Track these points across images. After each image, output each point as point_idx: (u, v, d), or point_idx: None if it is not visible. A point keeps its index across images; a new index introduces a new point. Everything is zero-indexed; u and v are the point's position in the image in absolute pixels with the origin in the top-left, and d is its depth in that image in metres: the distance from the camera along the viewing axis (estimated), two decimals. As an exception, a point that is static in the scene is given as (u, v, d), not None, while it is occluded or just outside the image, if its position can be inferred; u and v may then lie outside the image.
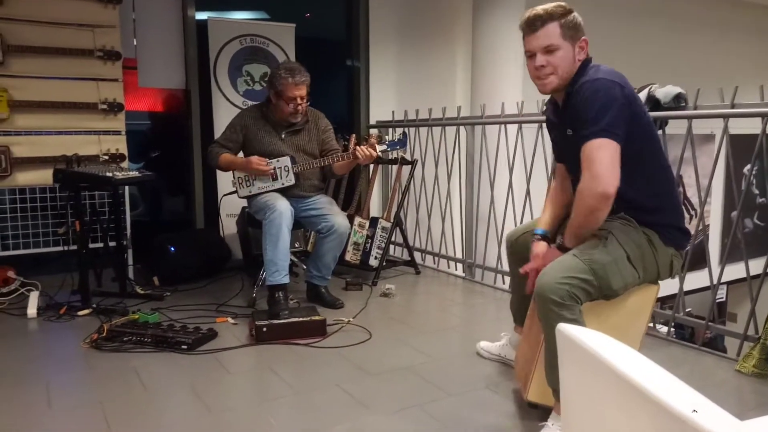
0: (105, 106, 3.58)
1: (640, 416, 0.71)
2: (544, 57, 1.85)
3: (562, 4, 1.86)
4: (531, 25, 1.86)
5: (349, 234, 3.72)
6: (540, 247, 2.01)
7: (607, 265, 1.77)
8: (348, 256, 3.88)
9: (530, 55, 1.89)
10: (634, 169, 1.81)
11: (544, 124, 2.22)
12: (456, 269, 4.22)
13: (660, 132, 2.77)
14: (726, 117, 2.54)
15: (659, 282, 1.98)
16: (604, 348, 0.78)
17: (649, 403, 0.68)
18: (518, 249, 2.23)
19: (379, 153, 3.11)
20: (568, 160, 2.04)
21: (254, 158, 3.15)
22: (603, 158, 1.72)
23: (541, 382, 1.93)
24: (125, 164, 3.68)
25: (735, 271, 2.91)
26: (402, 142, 3.25)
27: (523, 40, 1.91)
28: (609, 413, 0.78)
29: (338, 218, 3.18)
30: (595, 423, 0.83)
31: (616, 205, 1.81)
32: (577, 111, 1.81)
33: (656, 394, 0.67)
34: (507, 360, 2.44)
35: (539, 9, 1.85)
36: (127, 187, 3.78)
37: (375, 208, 4.75)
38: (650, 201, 1.89)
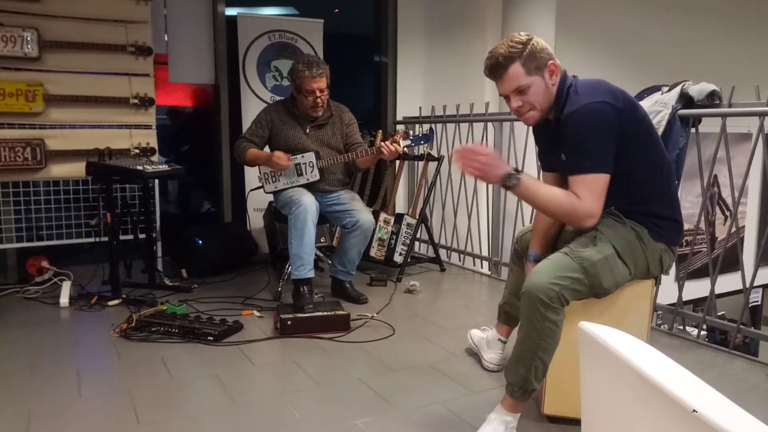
0: (136, 101, 3.65)
1: (662, 416, 0.69)
2: (518, 98, 1.85)
3: (516, 38, 1.83)
4: (494, 74, 1.85)
5: (374, 230, 3.72)
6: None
7: (598, 263, 1.76)
8: (373, 252, 3.89)
9: (505, 97, 1.89)
10: (630, 167, 1.81)
11: None
12: (482, 267, 4.19)
13: (693, 130, 2.70)
14: (762, 115, 2.47)
15: (654, 278, 1.95)
16: (627, 347, 0.76)
17: (672, 404, 0.66)
18: (523, 247, 2.24)
19: (404, 148, 3.11)
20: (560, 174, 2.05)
21: (276, 153, 3.18)
22: (594, 194, 1.75)
23: (556, 394, 1.92)
24: (155, 158, 3.75)
25: (770, 273, 2.83)
26: (426, 137, 3.24)
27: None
28: (630, 413, 0.77)
29: (363, 214, 3.19)
30: (616, 422, 0.82)
31: (608, 201, 1.81)
32: (567, 141, 1.81)
33: (679, 395, 0.66)
34: (480, 354, 2.44)
35: (497, 53, 1.83)
36: (157, 181, 3.85)
37: (400, 204, 4.74)
38: (642, 193, 1.86)
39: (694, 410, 0.64)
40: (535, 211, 2.23)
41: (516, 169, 1.77)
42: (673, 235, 1.91)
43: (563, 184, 2.05)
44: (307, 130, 3.27)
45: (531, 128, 2.15)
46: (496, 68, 1.84)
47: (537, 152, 2.16)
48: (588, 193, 1.76)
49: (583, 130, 1.76)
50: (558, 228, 2.12)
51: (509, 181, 1.75)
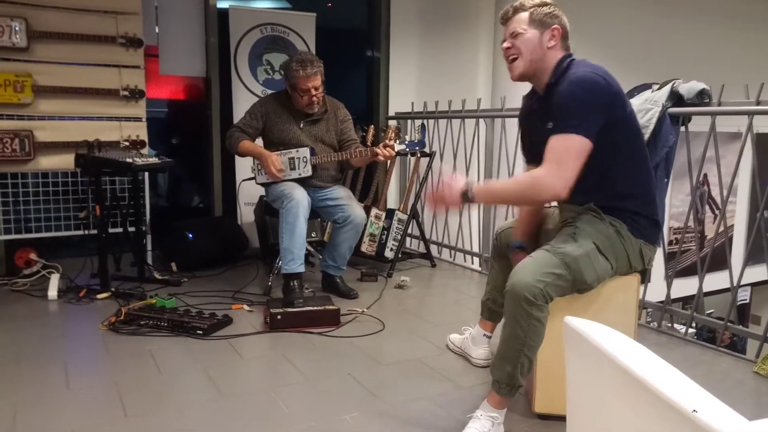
0: (126, 93, 3.62)
1: (645, 410, 0.70)
2: (511, 40, 1.93)
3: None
4: (504, 16, 1.97)
5: (365, 225, 3.72)
6: (519, 256, 2.04)
7: (580, 258, 1.77)
8: (364, 247, 3.88)
9: (503, 44, 1.97)
10: (608, 158, 1.81)
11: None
12: (473, 263, 4.20)
13: (682, 128, 2.72)
14: (751, 114, 2.49)
15: (638, 272, 1.96)
16: (611, 342, 0.77)
17: (654, 398, 0.67)
18: (501, 243, 2.26)
19: (398, 152, 3.12)
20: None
21: (273, 156, 3.15)
22: (564, 159, 1.72)
23: (546, 393, 1.92)
24: (145, 150, 3.72)
25: (760, 272, 2.85)
26: (422, 143, 3.25)
27: None
28: (614, 407, 0.77)
29: (355, 209, 3.18)
30: (600, 417, 0.82)
31: (586, 195, 1.84)
32: (557, 103, 1.81)
33: (661, 389, 0.66)
34: (467, 354, 2.45)
35: (515, 3, 1.94)
36: (147, 173, 3.82)
37: (392, 199, 4.74)
38: (621, 189, 1.87)
39: (695, 410, 0.64)
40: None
41: (467, 184, 1.85)
42: (650, 233, 1.92)
43: None
44: (302, 125, 3.25)
45: (518, 120, 2.17)
46: (507, 11, 1.95)
47: (521, 146, 2.16)
48: (555, 160, 1.73)
49: (575, 92, 1.76)
50: (540, 216, 2.14)
51: (466, 197, 1.84)
